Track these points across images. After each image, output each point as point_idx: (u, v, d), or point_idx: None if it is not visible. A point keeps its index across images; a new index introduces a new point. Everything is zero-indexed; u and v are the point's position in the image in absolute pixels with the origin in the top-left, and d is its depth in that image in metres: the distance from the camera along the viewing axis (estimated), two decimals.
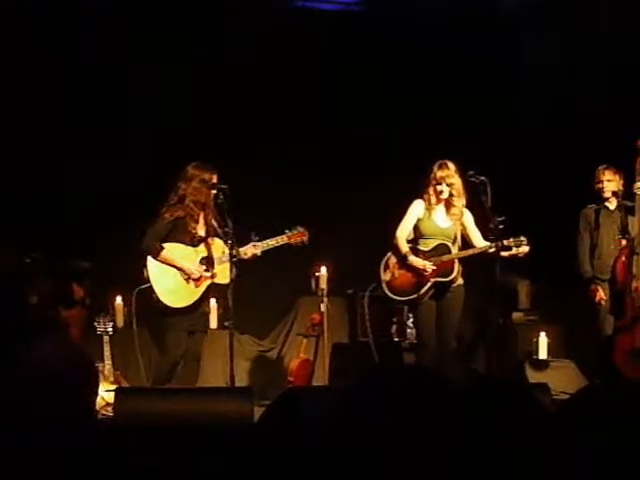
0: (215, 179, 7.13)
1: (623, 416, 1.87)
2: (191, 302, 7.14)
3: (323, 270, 8.67)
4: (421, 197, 7.38)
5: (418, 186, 7.40)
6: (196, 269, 7.13)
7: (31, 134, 9.05)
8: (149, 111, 9.28)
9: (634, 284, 7.71)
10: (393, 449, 1.52)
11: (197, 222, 7.13)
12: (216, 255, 7.17)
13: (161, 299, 7.09)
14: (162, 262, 7.10)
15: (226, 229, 7.00)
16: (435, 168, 7.28)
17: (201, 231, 7.20)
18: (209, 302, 7.52)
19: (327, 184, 9.60)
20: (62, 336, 7.71)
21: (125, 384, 7.80)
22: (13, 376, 2.26)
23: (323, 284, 8.66)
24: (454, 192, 7.26)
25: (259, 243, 7.18)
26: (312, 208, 9.30)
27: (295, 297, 9.89)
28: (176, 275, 7.13)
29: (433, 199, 7.33)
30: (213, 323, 8.96)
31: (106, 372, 7.76)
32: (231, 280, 7.03)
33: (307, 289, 9.13)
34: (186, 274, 7.12)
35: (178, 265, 7.11)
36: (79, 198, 9.10)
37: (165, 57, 9.42)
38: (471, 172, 7.17)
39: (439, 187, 7.27)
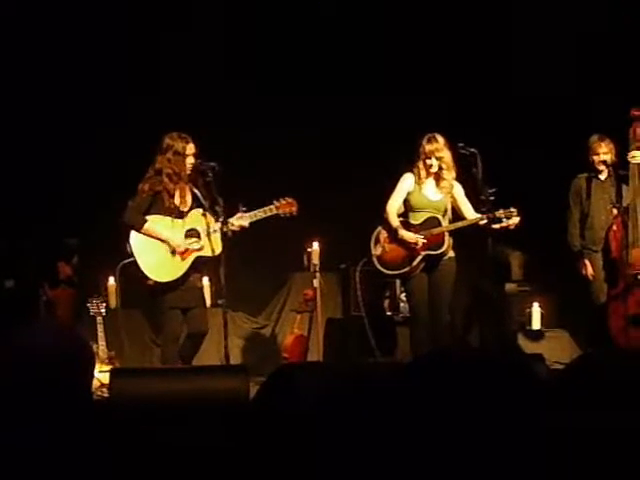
0: (190, 149, 6.96)
1: (618, 384, 1.87)
2: (177, 276, 6.98)
3: (315, 245, 8.66)
4: (411, 171, 7.37)
5: (410, 159, 7.38)
6: (182, 241, 6.98)
7: (12, 115, 9.01)
8: (138, 85, 9.25)
9: (627, 252, 7.72)
10: (393, 424, 1.52)
11: (173, 195, 6.96)
12: (201, 227, 7.02)
13: (146, 273, 6.92)
14: (146, 235, 6.93)
15: (216, 207, 6.94)
16: (424, 142, 7.24)
17: (182, 203, 7.03)
18: (201, 277, 7.39)
19: (318, 158, 9.56)
20: (48, 320, 7.69)
21: (119, 365, 7.81)
22: (9, 360, 2.26)
23: (315, 259, 8.66)
24: (444, 165, 7.24)
25: (246, 214, 7.05)
26: (303, 182, 9.26)
27: (288, 273, 9.89)
28: (160, 248, 6.95)
29: (423, 173, 7.31)
30: (207, 301, 8.96)
31: (100, 353, 7.77)
32: (221, 256, 6.96)
33: (300, 265, 9.12)
34: (171, 247, 6.97)
35: (163, 237, 6.94)
36: (66, 175, 9.08)
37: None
38: (461, 144, 7.16)
39: (428, 161, 7.25)
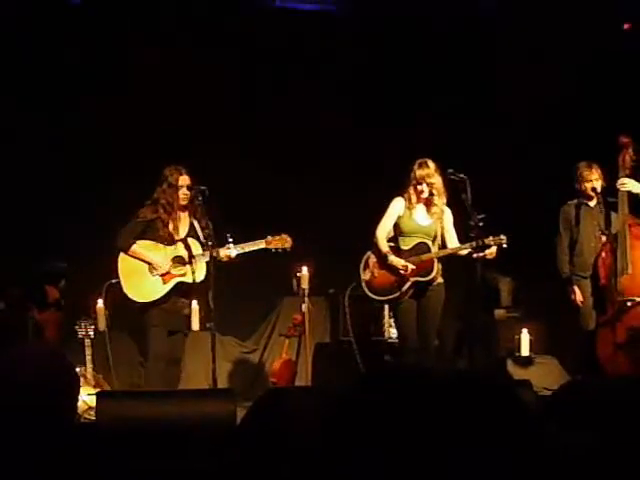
0: (184, 181, 7.23)
1: (605, 411, 1.87)
2: (155, 297, 7.20)
3: (304, 270, 8.65)
4: (402, 195, 7.38)
5: (399, 185, 7.40)
6: (165, 265, 7.21)
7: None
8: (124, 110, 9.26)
9: (616, 279, 7.73)
10: (383, 450, 1.52)
11: (167, 224, 7.24)
12: (186, 255, 7.25)
13: (127, 293, 7.22)
14: (132, 256, 7.21)
15: (206, 230, 7.11)
16: (415, 167, 7.28)
17: (177, 232, 7.29)
18: (188, 304, 7.49)
19: (308, 184, 9.58)
20: (36, 341, 7.69)
21: (107, 387, 7.77)
22: None
23: (304, 284, 8.64)
24: (434, 191, 7.26)
25: (232, 246, 7.20)
26: (293, 207, 9.29)
27: (278, 298, 9.89)
28: (143, 269, 7.23)
29: (414, 198, 7.33)
30: (195, 325, 8.92)
31: (88, 376, 7.73)
32: (207, 281, 7.12)
33: (289, 290, 9.12)
34: (154, 268, 7.21)
35: (147, 259, 7.23)
36: (53, 196, 9.08)
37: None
38: (451, 170, 7.19)
39: (419, 187, 7.27)
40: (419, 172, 7.25)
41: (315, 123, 9.61)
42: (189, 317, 7.51)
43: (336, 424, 1.58)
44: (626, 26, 7.90)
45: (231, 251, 7.18)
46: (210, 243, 7.08)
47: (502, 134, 9.57)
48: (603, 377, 7.44)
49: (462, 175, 7.16)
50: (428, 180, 7.23)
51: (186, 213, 7.33)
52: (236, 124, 9.61)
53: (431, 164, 7.25)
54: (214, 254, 7.09)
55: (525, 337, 9.15)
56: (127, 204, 7.42)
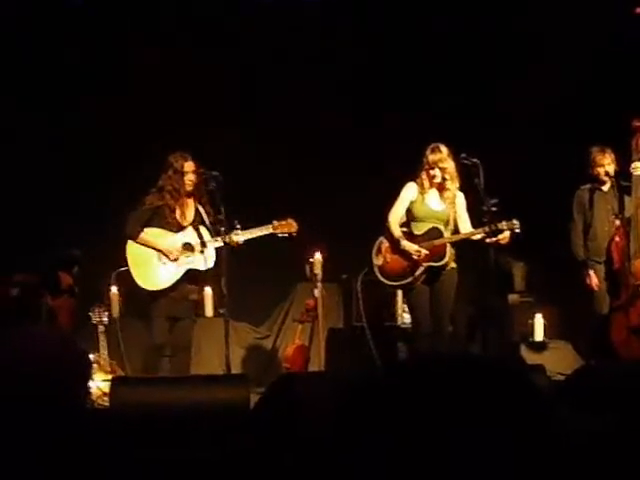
0: (189, 167, 7.24)
1: (619, 395, 1.87)
2: (166, 285, 7.21)
3: (317, 255, 8.65)
4: (414, 180, 7.36)
5: (412, 169, 7.37)
6: (176, 250, 7.22)
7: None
8: (136, 99, 9.26)
9: (630, 263, 7.72)
10: (394, 435, 1.52)
11: (174, 210, 7.25)
12: (195, 241, 7.26)
13: (137, 281, 7.24)
14: (142, 244, 7.23)
15: (218, 216, 7.10)
16: (428, 152, 7.23)
17: (183, 219, 7.31)
18: (196, 290, 7.53)
19: (321, 168, 9.56)
20: (49, 326, 7.72)
21: (121, 373, 7.80)
22: (3, 366, 2.25)
23: (317, 269, 8.65)
24: (447, 176, 7.22)
25: (240, 231, 7.20)
26: (306, 193, 9.29)
27: (291, 283, 9.89)
28: (153, 257, 7.24)
29: (426, 183, 7.30)
30: (209, 311, 8.97)
31: (102, 362, 7.75)
32: (218, 267, 7.16)
33: (302, 275, 9.12)
34: (164, 255, 7.22)
35: (157, 247, 7.24)
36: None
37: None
38: (463, 154, 7.15)
39: (432, 172, 7.23)
40: (432, 157, 7.21)
41: (328, 107, 9.56)
42: (197, 302, 7.58)
43: (349, 410, 1.58)
44: (638, 10, 7.84)
45: (239, 237, 7.17)
46: (223, 229, 7.08)
47: (513, 116, 9.50)
48: (617, 362, 7.43)
49: (475, 160, 7.12)
50: (441, 165, 7.19)
51: (191, 199, 7.34)
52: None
53: (444, 149, 7.20)
54: (226, 240, 7.10)
55: (539, 322, 9.14)
56: (127, 202, 7.45)
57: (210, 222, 7.26)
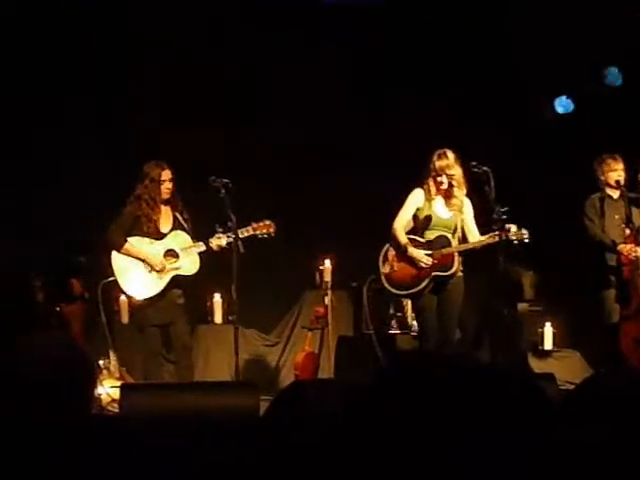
0: (165, 175, 7.33)
1: (629, 405, 1.87)
2: (155, 293, 7.29)
3: (327, 263, 8.67)
4: (421, 187, 7.31)
5: (420, 175, 7.33)
6: (160, 261, 7.29)
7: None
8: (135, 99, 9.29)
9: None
10: (404, 442, 1.52)
11: (152, 219, 7.32)
12: (179, 247, 7.34)
13: (125, 290, 7.38)
14: (126, 255, 7.30)
15: (229, 223, 7.17)
16: (434, 158, 7.15)
17: (162, 226, 7.38)
18: (182, 294, 7.55)
19: (328, 175, 9.54)
20: (64, 332, 7.75)
21: (131, 380, 7.81)
22: (11, 371, 2.26)
23: (327, 277, 8.66)
24: (454, 183, 7.14)
25: (223, 235, 7.28)
26: (315, 200, 9.29)
27: (300, 291, 9.89)
28: (138, 266, 7.31)
29: (433, 190, 7.22)
30: (218, 318, 8.99)
31: (112, 368, 7.76)
32: (231, 273, 7.13)
33: (312, 283, 9.13)
34: (149, 265, 7.30)
35: (142, 256, 7.30)
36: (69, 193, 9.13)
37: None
38: (474, 162, 7.12)
39: (439, 178, 7.15)
40: (438, 163, 7.13)
41: (326, 116, 9.54)
42: (182, 306, 7.56)
43: (358, 416, 1.58)
44: None
45: (221, 240, 7.27)
46: (234, 237, 7.14)
47: (516, 128, 9.48)
48: (627, 370, 7.41)
49: (485, 168, 7.09)
50: (448, 171, 7.11)
51: (168, 207, 7.43)
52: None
53: (450, 155, 7.12)
54: (209, 244, 7.24)
55: (548, 331, 9.13)
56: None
57: (187, 228, 7.38)
